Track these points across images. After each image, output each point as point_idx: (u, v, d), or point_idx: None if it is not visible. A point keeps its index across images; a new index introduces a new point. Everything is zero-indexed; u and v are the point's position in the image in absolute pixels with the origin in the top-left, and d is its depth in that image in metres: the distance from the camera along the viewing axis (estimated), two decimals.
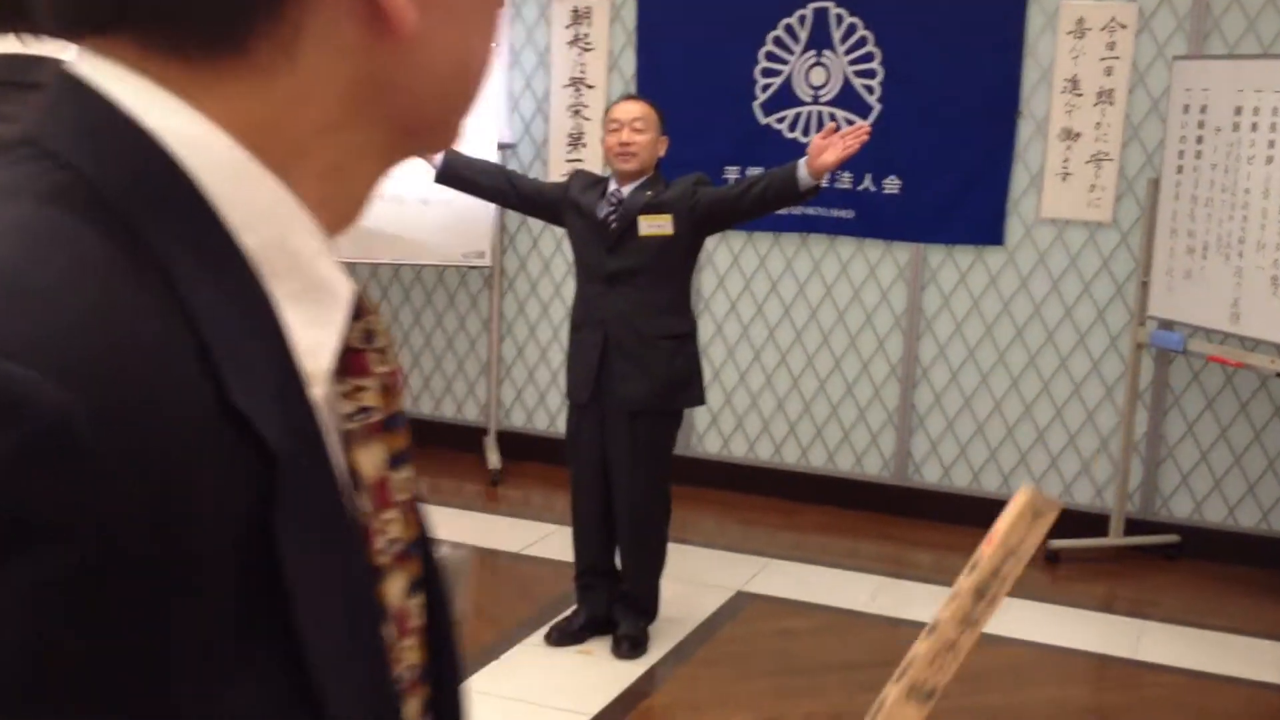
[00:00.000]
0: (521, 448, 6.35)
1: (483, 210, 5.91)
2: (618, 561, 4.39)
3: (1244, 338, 4.85)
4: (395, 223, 5.91)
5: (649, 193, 4.18)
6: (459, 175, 4.51)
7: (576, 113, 6.19)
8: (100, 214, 0.56)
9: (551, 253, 6.22)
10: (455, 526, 5.47)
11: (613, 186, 4.25)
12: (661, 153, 4.27)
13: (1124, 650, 4.54)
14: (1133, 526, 5.46)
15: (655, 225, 4.15)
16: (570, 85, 6.20)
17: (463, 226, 5.84)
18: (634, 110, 4.22)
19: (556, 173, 6.00)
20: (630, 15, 6.05)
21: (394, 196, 5.86)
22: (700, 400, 4.37)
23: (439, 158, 4.47)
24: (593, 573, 4.38)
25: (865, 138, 4.01)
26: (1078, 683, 4.36)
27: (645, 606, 4.37)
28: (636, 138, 4.18)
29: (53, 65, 1.17)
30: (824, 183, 4.15)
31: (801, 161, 4.03)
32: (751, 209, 4.21)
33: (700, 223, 4.19)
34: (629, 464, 4.22)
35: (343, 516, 0.63)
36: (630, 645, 4.27)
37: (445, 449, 6.48)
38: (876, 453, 5.93)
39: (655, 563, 4.37)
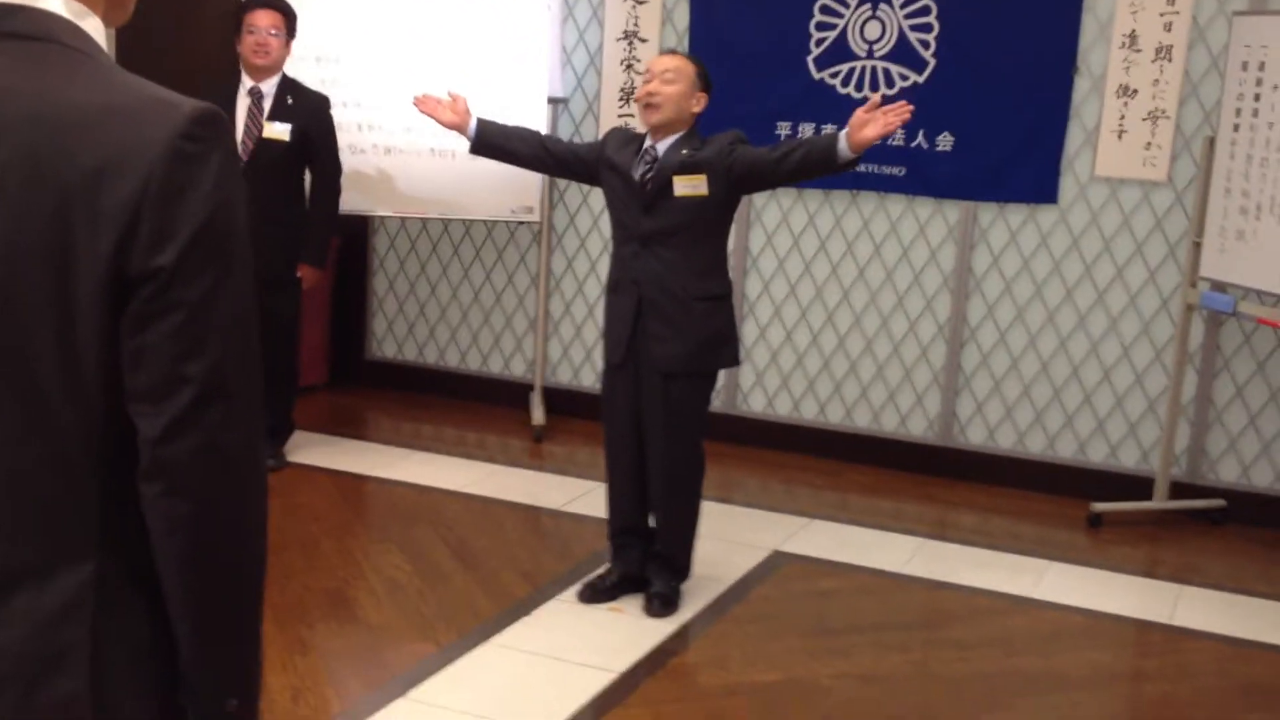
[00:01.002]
0: (567, 404, 6.37)
1: None
2: (652, 521, 4.39)
3: None
4: (444, 178, 5.93)
5: (684, 151, 4.13)
6: (493, 144, 4.49)
7: (629, 67, 6.16)
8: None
9: (601, 209, 6.20)
10: (498, 482, 5.51)
11: (648, 143, 4.21)
12: (697, 109, 4.19)
13: (1163, 615, 4.48)
14: (1178, 490, 5.38)
15: (690, 185, 4.10)
16: (623, 39, 6.16)
17: (512, 182, 5.84)
18: (667, 62, 4.17)
19: (608, 127, 5.96)
20: None
21: (443, 151, 5.87)
22: (735, 361, 4.34)
23: (472, 128, 4.46)
24: (627, 532, 4.38)
25: (908, 116, 3.91)
26: (1116, 648, 4.31)
27: (678, 565, 4.36)
28: (664, 89, 4.11)
29: (29, 14, 1.36)
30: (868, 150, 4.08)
31: (843, 133, 3.95)
32: (789, 175, 4.15)
33: (737, 183, 4.14)
34: (663, 424, 4.21)
35: None
36: (661, 603, 4.28)
37: (491, 405, 6.52)
38: (921, 413, 5.88)
39: (689, 522, 4.36)
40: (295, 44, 5.70)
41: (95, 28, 1.40)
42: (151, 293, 1.29)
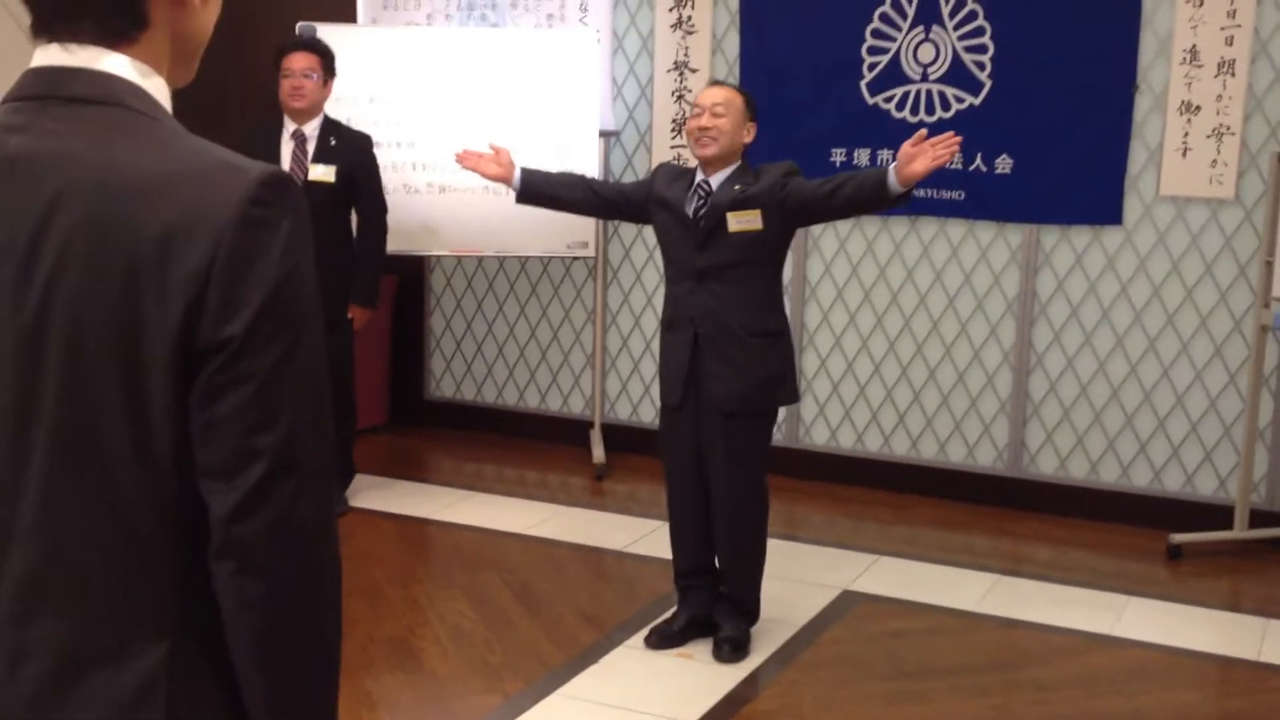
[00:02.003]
0: (627, 440, 6.30)
1: None
2: (717, 561, 4.31)
3: None
4: (498, 215, 5.89)
5: (737, 186, 4.07)
6: (539, 192, 4.46)
7: (680, 98, 6.11)
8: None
9: (655, 242, 6.13)
10: (561, 523, 5.45)
11: (700, 178, 4.16)
12: (748, 139, 4.14)
13: (1249, 652, 4.34)
14: (1258, 519, 5.23)
15: (744, 221, 4.04)
16: (674, 70, 6.12)
17: (565, 218, 5.78)
18: (716, 95, 4.12)
19: (661, 159, 5.92)
20: None
21: (496, 189, 5.82)
22: (795, 397, 4.27)
23: (517, 179, 4.42)
24: (692, 574, 4.31)
25: (956, 148, 3.86)
26: (1200, 687, 4.18)
27: (747, 608, 4.29)
28: (716, 122, 4.06)
29: (92, 77, 1.33)
30: (916, 191, 4.02)
31: (891, 167, 3.90)
32: (841, 211, 4.14)
33: (790, 217, 4.08)
34: (725, 464, 4.14)
35: None
36: (732, 648, 4.20)
37: (551, 443, 6.47)
38: (990, 443, 5.77)
39: (755, 563, 4.29)
40: (349, 85, 5.71)
41: (159, 88, 1.37)
42: (221, 364, 1.26)
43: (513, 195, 4.53)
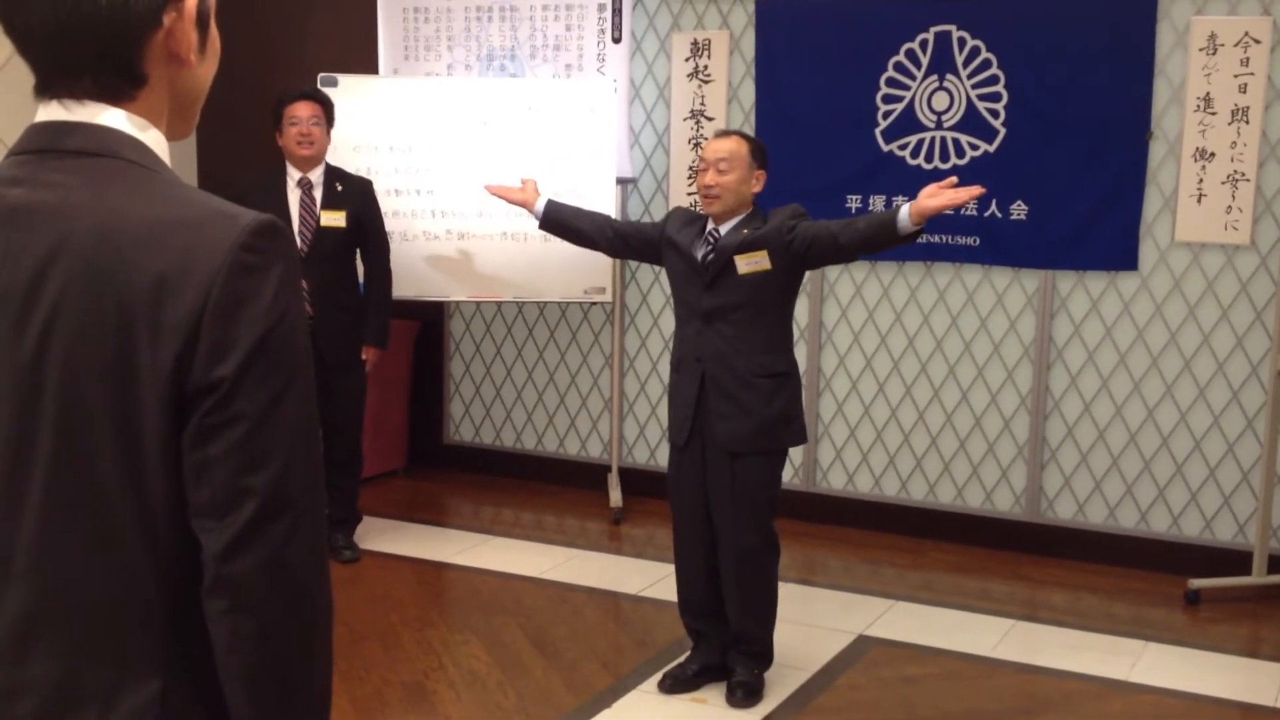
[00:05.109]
0: (645, 485, 6.31)
1: None
2: (727, 607, 4.30)
3: None
4: (517, 261, 5.94)
5: (745, 231, 4.11)
6: (560, 221, 4.56)
7: (696, 146, 6.16)
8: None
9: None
10: (578, 567, 5.46)
11: (710, 225, 4.19)
12: (757, 188, 4.17)
13: (1268, 698, 4.31)
14: (1277, 564, 5.21)
15: (753, 263, 4.06)
16: (690, 118, 6.17)
17: (584, 263, 5.84)
18: (721, 150, 4.13)
19: (677, 205, 5.95)
20: (749, 46, 6.00)
21: (515, 235, 5.89)
22: (802, 438, 4.24)
23: (540, 207, 4.51)
24: (704, 619, 4.31)
25: (979, 192, 3.87)
26: None
27: (760, 652, 4.27)
28: (720, 180, 4.10)
29: (91, 130, 1.38)
30: (924, 233, 4.04)
31: (906, 205, 3.90)
32: (850, 249, 4.07)
33: (799, 258, 4.09)
34: (732, 506, 4.13)
35: None
36: (745, 693, 4.19)
37: (569, 487, 6.49)
38: (1007, 488, 5.76)
39: (767, 607, 4.27)
40: (371, 134, 5.81)
41: (156, 140, 1.40)
42: (212, 405, 1.28)
43: (535, 222, 4.65)
